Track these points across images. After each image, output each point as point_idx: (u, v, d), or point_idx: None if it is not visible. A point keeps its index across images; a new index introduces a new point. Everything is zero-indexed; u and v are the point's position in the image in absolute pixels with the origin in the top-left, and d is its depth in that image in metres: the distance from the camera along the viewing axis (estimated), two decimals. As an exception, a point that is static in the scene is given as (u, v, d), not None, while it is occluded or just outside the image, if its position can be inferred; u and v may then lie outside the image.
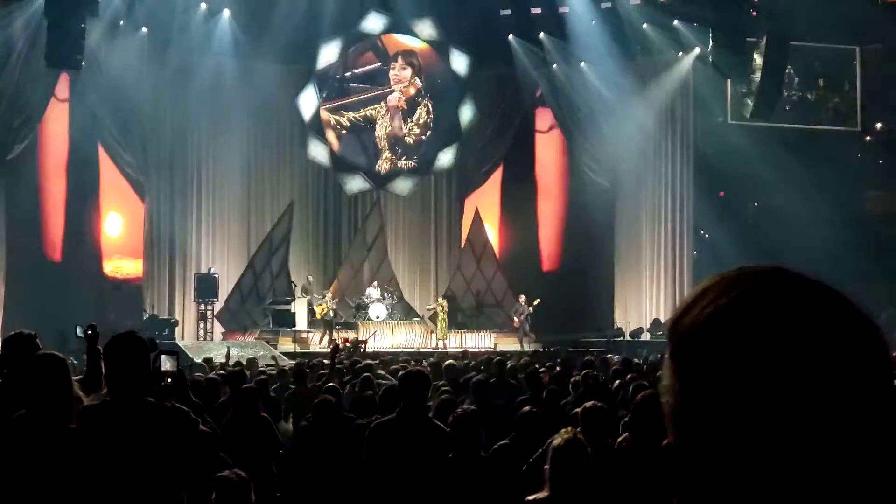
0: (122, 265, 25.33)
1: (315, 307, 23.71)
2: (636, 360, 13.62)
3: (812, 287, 0.80)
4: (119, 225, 25.38)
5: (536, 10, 25.93)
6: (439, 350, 21.90)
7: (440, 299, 25.09)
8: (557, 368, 11.76)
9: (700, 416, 0.79)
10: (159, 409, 3.88)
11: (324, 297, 24.20)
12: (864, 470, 0.76)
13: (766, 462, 0.76)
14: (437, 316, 24.61)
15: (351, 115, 27.00)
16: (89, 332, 4.99)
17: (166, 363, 4.04)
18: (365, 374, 9.39)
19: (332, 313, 23.59)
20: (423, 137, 27.48)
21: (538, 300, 24.55)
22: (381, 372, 11.24)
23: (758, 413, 0.76)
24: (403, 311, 25.92)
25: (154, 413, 3.83)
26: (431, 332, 24.41)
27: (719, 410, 0.77)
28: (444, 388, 8.06)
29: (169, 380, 4.09)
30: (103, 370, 4.07)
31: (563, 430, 4.50)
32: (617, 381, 9.16)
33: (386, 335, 24.02)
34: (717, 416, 0.77)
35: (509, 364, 11.52)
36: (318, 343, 22.86)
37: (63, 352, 4.45)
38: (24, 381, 3.82)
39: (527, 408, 6.35)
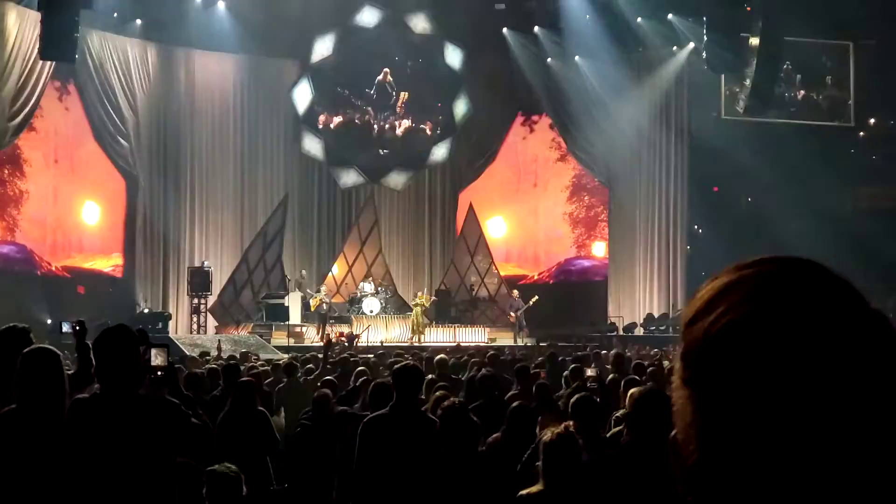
0: (109, 260, 25.33)
1: (310, 300, 23.70)
2: (628, 354, 13.66)
3: (836, 297, 0.79)
4: (97, 214, 25.26)
5: (531, 4, 25.90)
6: (418, 345, 21.69)
7: (421, 294, 24.95)
8: (549, 364, 11.76)
9: (715, 428, 0.78)
10: (150, 401, 3.89)
11: (319, 290, 24.17)
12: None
13: (793, 476, 0.75)
14: (416, 308, 24.38)
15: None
16: (77, 327, 4.99)
17: (157, 357, 4.04)
18: (358, 369, 9.42)
19: (325, 306, 23.56)
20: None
21: (535, 297, 24.56)
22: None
23: (778, 432, 0.75)
24: (397, 306, 25.90)
25: (144, 406, 3.83)
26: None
27: (736, 426, 0.77)
28: (440, 385, 8.04)
29: (159, 372, 4.08)
30: (93, 364, 4.07)
31: (554, 425, 4.51)
32: (610, 377, 9.18)
33: (379, 329, 23.99)
34: (735, 430, 0.77)
35: (501, 358, 11.56)
36: (317, 336, 22.80)
37: (58, 346, 4.44)
38: (18, 375, 3.82)
39: (517, 402, 6.36)
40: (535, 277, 27.88)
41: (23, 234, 23.91)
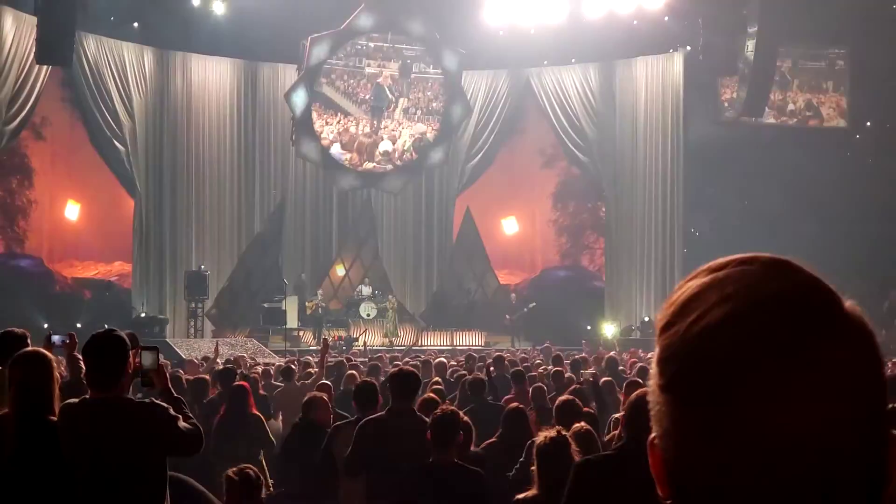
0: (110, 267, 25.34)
1: (306, 304, 23.71)
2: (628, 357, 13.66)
3: (808, 298, 0.78)
4: (93, 219, 25.19)
5: (527, 7, 25.89)
6: (417, 348, 21.68)
7: (391, 297, 24.91)
8: (549, 366, 11.78)
9: (695, 435, 0.77)
10: (138, 405, 3.88)
11: (314, 293, 24.14)
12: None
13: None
14: (386, 313, 24.36)
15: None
16: (67, 341, 5.03)
17: (147, 359, 4.04)
18: (349, 373, 9.43)
19: (320, 310, 23.54)
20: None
21: (532, 304, 24.61)
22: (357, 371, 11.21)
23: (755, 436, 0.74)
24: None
25: (133, 409, 3.83)
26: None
27: (715, 431, 0.76)
28: (436, 387, 8.06)
29: (149, 375, 4.09)
30: (83, 371, 4.08)
31: (547, 428, 4.52)
32: (604, 379, 9.19)
33: (376, 333, 23.98)
34: (714, 436, 0.76)
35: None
36: (313, 340, 22.81)
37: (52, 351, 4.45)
38: (9, 376, 3.82)
39: (513, 404, 6.38)
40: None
41: (30, 243, 23.95)
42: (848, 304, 0.80)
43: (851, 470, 0.75)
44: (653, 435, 0.83)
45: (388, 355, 15.29)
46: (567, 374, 10.08)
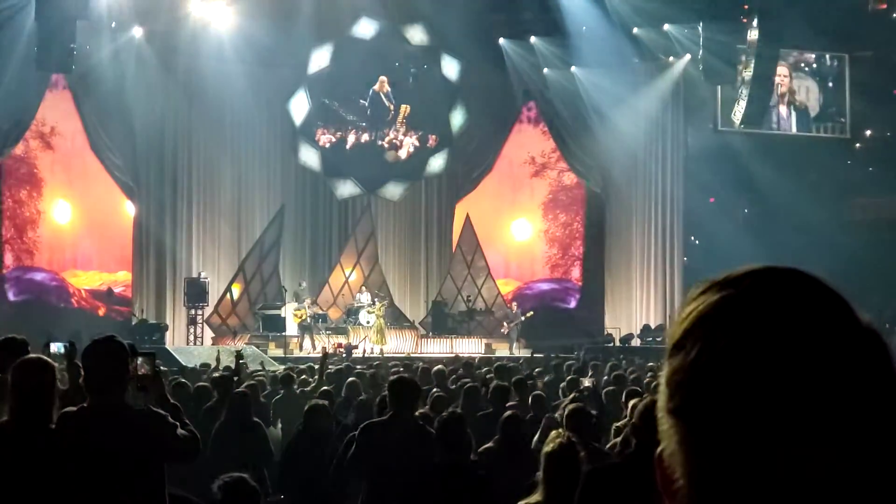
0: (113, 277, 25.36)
1: (294, 313, 23.55)
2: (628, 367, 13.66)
3: (826, 320, 0.75)
4: (92, 226, 25.17)
5: (528, 15, 25.95)
6: (416, 355, 21.64)
7: (378, 303, 24.86)
8: (549, 375, 11.79)
9: (703, 465, 0.76)
10: (137, 412, 3.88)
11: (303, 302, 23.95)
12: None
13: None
14: (375, 320, 24.31)
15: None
16: (67, 347, 5.04)
17: (142, 366, 4.05)
18: (351, 380, 9.43)
19: (309, 319, 23.45)
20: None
21: (530, 312, 24.58)
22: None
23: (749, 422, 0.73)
24: (393, 317, 25.85)
25: (132, 417, 3.82)
26: (366, 337, 23.63)
27: (725, 465, 0.74)
28: (437, 395, 8.05)
29: (145, 382, 4.09)
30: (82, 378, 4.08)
31: (555, 434, 4.49)
32: (608, 388, 9.20)
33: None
34: (723, 468, 0.74)
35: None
36: (299, 349, 22.79)
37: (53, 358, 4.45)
38: (10, 384, 3.82)
39: (510, 411, 6.39)
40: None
41: (39, 255, 23.98)
42: (866, 321, 0.77)
43: (873, 495, 0.72)
44: (661, 448, 0.81)
45: (388, 363, 15.24)
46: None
